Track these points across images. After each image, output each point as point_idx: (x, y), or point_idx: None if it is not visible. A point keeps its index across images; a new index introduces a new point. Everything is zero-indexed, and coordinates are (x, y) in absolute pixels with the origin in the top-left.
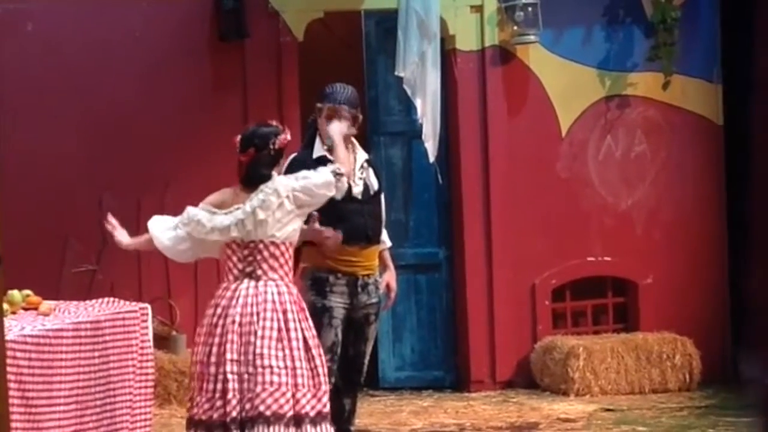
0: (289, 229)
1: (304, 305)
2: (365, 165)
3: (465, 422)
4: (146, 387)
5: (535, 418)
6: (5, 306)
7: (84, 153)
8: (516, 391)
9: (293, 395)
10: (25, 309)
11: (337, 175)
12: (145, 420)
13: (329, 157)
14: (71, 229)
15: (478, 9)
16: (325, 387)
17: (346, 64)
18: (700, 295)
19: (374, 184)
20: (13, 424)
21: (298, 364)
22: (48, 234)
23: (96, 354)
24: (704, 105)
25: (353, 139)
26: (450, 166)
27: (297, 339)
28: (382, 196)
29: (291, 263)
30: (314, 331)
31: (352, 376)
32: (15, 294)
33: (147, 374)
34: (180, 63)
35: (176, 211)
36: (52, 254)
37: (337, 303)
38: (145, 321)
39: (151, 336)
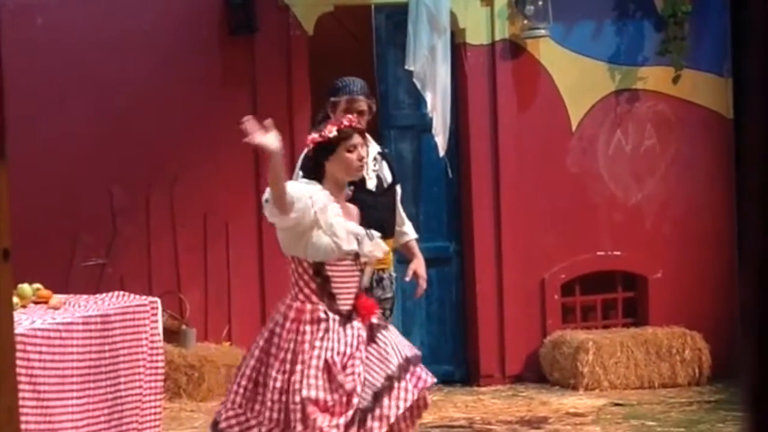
0: (287, 243)
1: (306, 329)
2: (378, 158)
3: (474, 416)
4: (156, 381)
5: (545, 412)
6: (15, 300)
7: (93, 147)
8: (525, 386)
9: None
10: (36, 303)
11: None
12: (155, 413)
13: None
14: (81, 222)
15: (489, 2)
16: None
17: (356, 57)
18: (709, 289)
19: (387, 177)
20: (25, 418)
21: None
22: (57, 228)
23: (106, 348)
24: (714, 99)
25: (365, 133)
26: (460, 160)
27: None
28: (398, 188)
29: (303, 283)
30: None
31: None
32: (25, 288)
33: (157, 368)
34: (189, 57)
35: (184, 205)
36: (62, 248)
37: None
38: (155, 315)
39: (161, 330)
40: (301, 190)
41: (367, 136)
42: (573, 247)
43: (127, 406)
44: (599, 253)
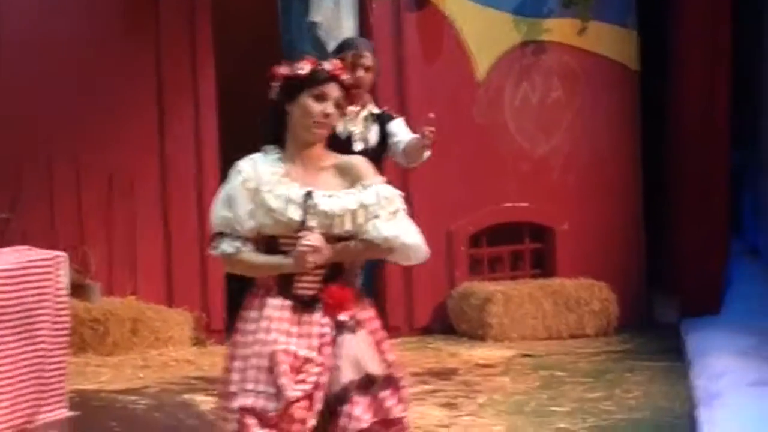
0: None
1: (251, 316)
2: (369, 120)
3: None
4: (61, 335)
5: (454, 363)
6: None
7: None
8: (434, 337)
9: None
10: None
11: None
12: (61, 368)
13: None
14: None
15: None
16: None
17: (260, 9)
18: (616, 240)
19: (372, 140)
20: None
21: None
22: None
23: (10, 302)
24: (619, 50)
25: (367, 94)
26: None
27: None
28: (396, 142)
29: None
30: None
31: None
32: None
33: (62, 322)
34: (92, 15)
35: (88, 161)
36: None
37: None
38: (60, 269)
39: (66, 284)
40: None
41: (368, 96)
42: (480, 199)
43: (33, 361)
44: (506, 204)
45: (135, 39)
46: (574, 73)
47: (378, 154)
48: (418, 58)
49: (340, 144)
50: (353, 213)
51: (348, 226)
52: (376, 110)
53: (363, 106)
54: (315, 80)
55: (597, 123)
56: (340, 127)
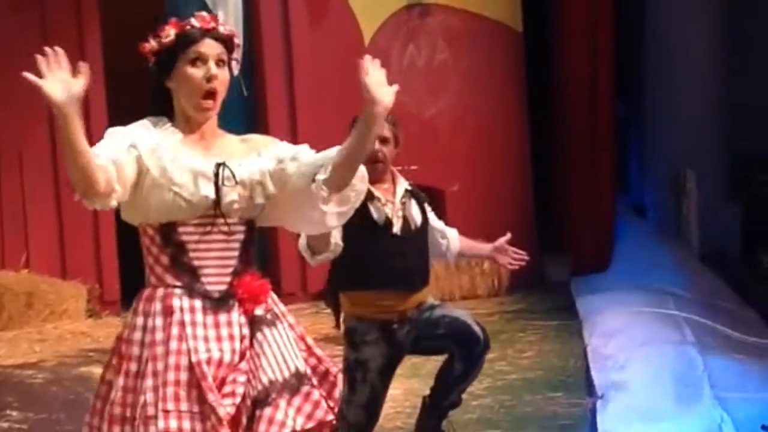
0: (122, 206)
1: (156, 324)
2: (407, 196)
3: None
4: None
5: None
6: None
7: None
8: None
9: None
10: None
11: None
12: None
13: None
14: None
15: None
16: None
17: None
18: (505, 201)
19: (416, 218)
20: None
21: None
22: None
23: None
24: (504, 12)
25: (392, 168)
26: (254, 79)
27: None
28: (433, 224)
29: (153, 259)
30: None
31: (462, 344)
32: None
33: None
34: None
35: None
36: None
37: (373, 354)
38: None
39: None
40: (112, 146)
41: (395, 171)
42: None
43: None
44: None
45: (20, 9)
46: (460, 35)
47: (424, 235)
48: (304, 22)
49: (379, 233)
50: (278, 171)
51: (272, 188)
52: (407, 185)
53: (394, 183)
54: (186, 42)
55: (484, 84)
56: (375, 214)
